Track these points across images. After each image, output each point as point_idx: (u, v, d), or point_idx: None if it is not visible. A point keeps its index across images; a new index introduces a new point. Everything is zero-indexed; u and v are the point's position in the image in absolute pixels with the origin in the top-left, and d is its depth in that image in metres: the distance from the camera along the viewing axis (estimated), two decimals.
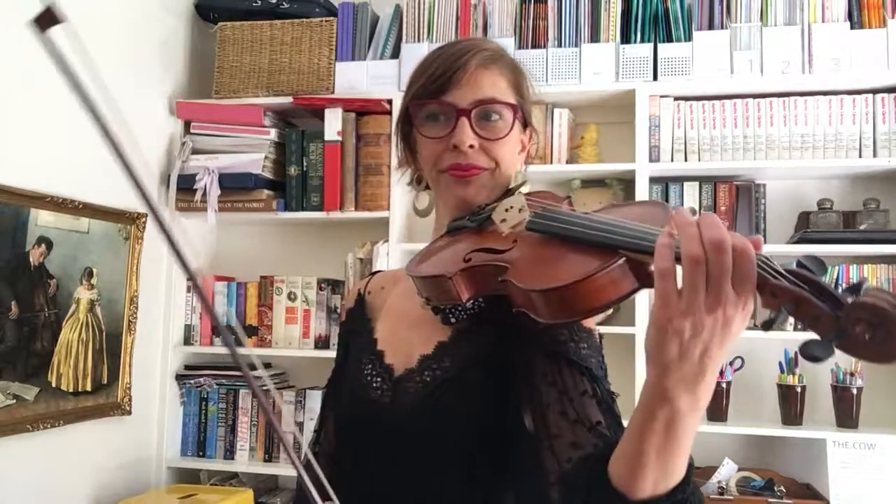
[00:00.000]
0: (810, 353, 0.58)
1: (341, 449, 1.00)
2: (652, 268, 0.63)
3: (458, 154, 0.93)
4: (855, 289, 0.58)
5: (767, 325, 0.61)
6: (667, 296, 0.61)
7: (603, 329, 0.93)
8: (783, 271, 0.60)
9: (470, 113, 0.93)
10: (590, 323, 0.86)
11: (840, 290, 0.59)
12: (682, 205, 2.33)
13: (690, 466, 0.67)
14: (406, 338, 0.97)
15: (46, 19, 0.64)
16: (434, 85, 0.93)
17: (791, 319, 0.60)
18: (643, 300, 2.24)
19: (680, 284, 0.61)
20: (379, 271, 1.17)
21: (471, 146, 0.92)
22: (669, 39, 2.34)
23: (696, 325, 0.60)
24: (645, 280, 0.69)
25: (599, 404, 0.80)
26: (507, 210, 0.87)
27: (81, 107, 0.64)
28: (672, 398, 0.62)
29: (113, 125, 0.64)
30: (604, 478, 0.68)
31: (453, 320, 0.93)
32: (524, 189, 0.96)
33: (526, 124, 1.01)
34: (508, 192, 0.95)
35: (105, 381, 2.27)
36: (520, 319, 0.79)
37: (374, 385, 0.95)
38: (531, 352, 0.84)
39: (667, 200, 2.34)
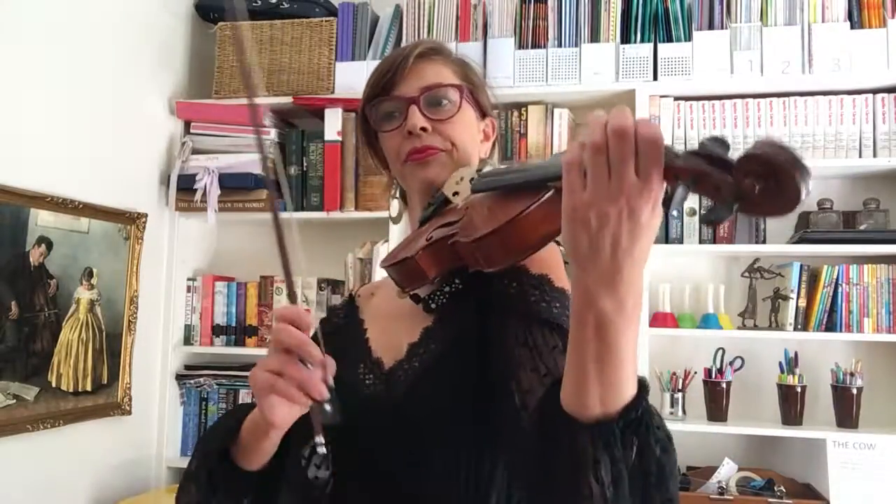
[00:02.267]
0: (709, 217, 0.57)
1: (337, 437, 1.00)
2: None
3: (413, 139, 0.98)
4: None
5: (665, 204, 0.59)
6: (571, 186, 0.60)
7: None
8: (685, 153, 0.58)
9: (418, 100, 0.98)
10: (563, 282, 0.87)
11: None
12: (683, 205, 2.33)
13: (643, 388, 0.65)
14: (393, 332, 0.99)
15: None
16: (382, 83, 1.00)
17: None
18: (647, 289, 2.24)
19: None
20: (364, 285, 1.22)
21: (423, 129, 0.97)
22: (669, 39, 2.34)
23: (601, 215, 0.59)
24: None
25: None
26: (457, 182, 0.93)
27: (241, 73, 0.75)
28: (595, 299, 0.61)
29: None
30: (557, 406, 0.67)
31: (433, 306, 0.95)
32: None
33: (484, 113, 1.06)
34: None
35: (105, 381, 2.27)
36: (495, 291, 0.85)
37: (367, 382, 0.97)
38: (505, 317, 0.86)
39: None
